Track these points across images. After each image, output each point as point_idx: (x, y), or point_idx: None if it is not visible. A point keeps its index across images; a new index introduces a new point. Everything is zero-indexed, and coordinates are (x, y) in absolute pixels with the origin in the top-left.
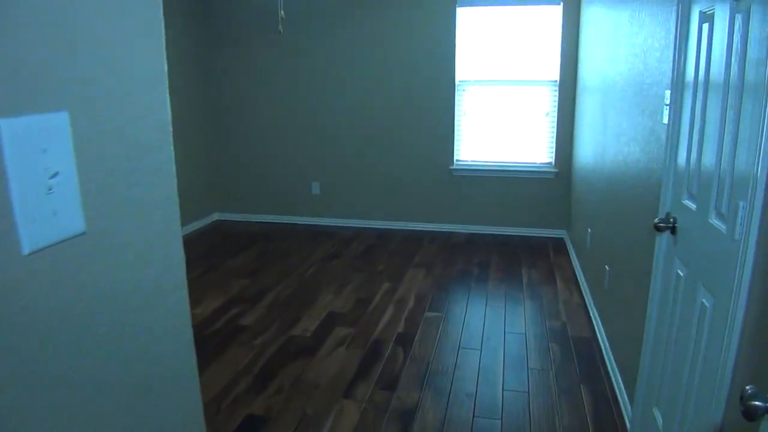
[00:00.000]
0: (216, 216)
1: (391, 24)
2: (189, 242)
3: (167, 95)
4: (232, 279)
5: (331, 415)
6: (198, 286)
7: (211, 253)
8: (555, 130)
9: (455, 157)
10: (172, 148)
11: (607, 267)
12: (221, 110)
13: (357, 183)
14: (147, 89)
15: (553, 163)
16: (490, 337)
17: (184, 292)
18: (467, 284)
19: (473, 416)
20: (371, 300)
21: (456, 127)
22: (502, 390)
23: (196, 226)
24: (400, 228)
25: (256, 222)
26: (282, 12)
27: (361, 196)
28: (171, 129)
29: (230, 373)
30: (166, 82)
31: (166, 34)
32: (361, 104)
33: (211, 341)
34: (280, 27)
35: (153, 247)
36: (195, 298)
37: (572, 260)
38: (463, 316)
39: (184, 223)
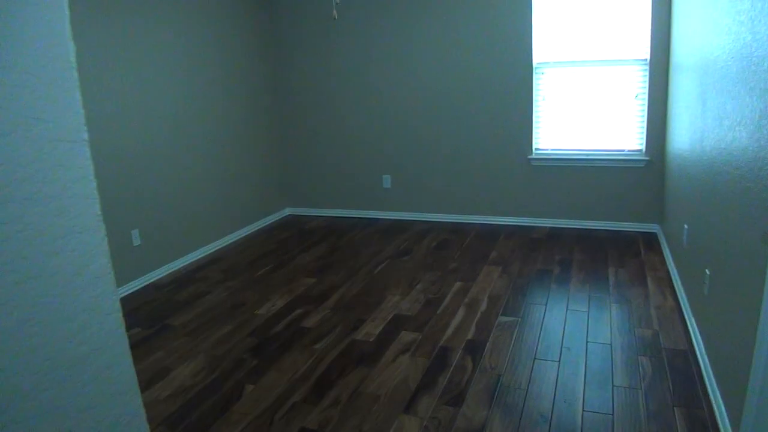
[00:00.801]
0: (288, 211)
1: (461, 4)
2: (260, 237)
3: None
4: (300, 276)
5: None
6: (265, 284)
7: (281, 249)
8: (645, 113)
9: (534, 146)
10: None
11: (707, 271)
12: (291, 105)
13: (430, 175)
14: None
15: (644, 150)
16: (571, 347)
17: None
18: (546, 285)
19: None
20: (441, 301)
21: (534, 114)
22: (582, 411)
23: (268, 221)
24: (476, 222)
25: (328, 216)
26: None
27: (434, 189)
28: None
29: (287, 380)
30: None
31: (232, 34)
32: (432, 92)
33: (271, 344)
34: (334, 12)
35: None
36: (261, 297)
37: (666, 258)
38: (541, 321)
39: (256, 219)
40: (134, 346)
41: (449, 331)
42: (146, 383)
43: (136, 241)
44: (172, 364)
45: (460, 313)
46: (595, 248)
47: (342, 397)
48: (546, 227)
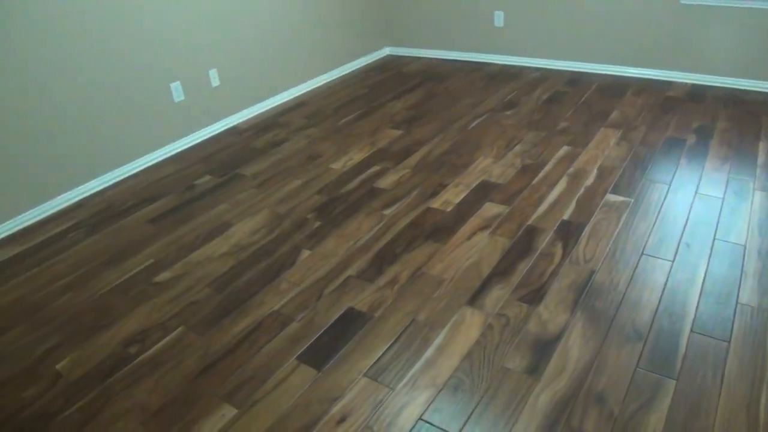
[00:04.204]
0: (387, 51)
1: None
2: (353, 80)
3: None
4: (385, 127)
5: (445, 329)
6: (347, 134)
7: (371, 94)
8: None
9: None
10: None
11: None
12: None
13: (550, 12)
14: None
15: None
16: (692, 244)
17: None
18: (675, 158)
19: (635, 367)
20: (540, 169)
21: None
22: (690, 331)
23: (364, 61)
24: (600, 72)
25: (430, 58)
26: None
27: (554, 30)
28: None
29: (346, 249)
30: None
31: None
32: None
33: (339, 205)
34: None
35: None
36: (340, 149)
37: None
38: (660, 205)
39: (351, 59)
40: (201, 196)
41: (542, 207)
42: (204, 238)
43: (215, 82)
44: (234, 218)
45: (560, 185)
46: (746, 116)
47: (401, 276)
48: (686, 84)
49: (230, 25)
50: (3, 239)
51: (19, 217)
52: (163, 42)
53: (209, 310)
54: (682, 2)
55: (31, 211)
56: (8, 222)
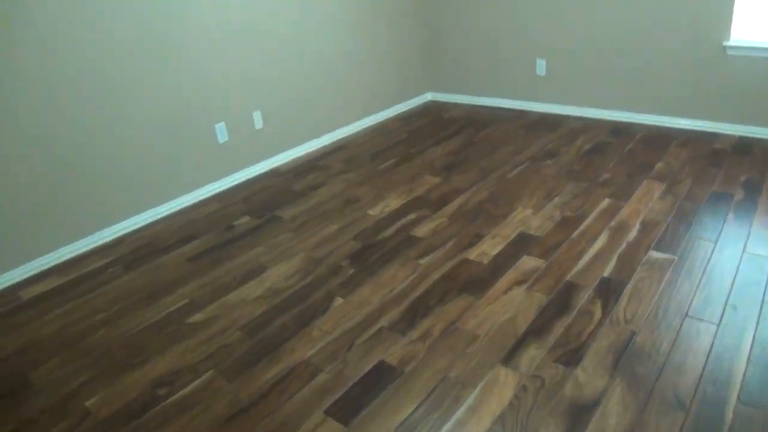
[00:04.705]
0: (429, 96)
1: None
2: (394, 125)
3: None
4: (424, 173)
5: (477, 388)
6: (385, 179)
7: (411, 140)
8: None
9: (732, 31)
10: None
11: None
12: None
13: (592, 61)
14: None
15: None
16: (739, 307)
17: None
18: (722, 214)
19: None
20: (580, 221)
21: None
22: (737, 401)
23: (407, 106)
24: (644, 122)
25: (471, 105)
26: None
27: (596, 79)
28: None
29: (380, 298)
30: None
31: None
32: None
33: (374, 252)
34: None
35: None
36: (377, 194)
37: None
38: (705, 264)
39: (393, 103)
40: (239, 237)
41: (582, 262)
42: (239, 280)
43: (258, 124)
44: (269, 261)
45: (601, 239)
46: None
47: (434, 330)
48: (734, 136)
49: (276, 69)
50: (45, 271)
51: (62, 249)
52: (212, 84)
53: (240, 354)
54: (729, 53)
55: (73, 244)
56: (51, 254)
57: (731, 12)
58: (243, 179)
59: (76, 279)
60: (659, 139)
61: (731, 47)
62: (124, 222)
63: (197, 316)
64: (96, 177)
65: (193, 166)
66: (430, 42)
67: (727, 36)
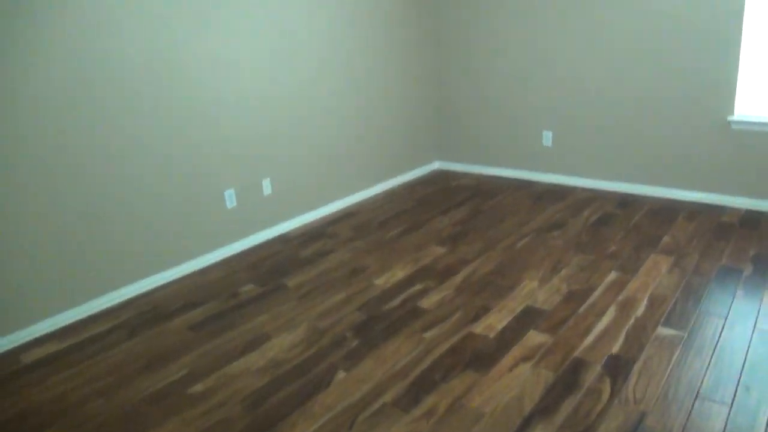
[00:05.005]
0: (437, 165)
1: None
2: (402, 192)
3: None
4: (431, 243)
5: None
6: (392, 248)
7: (419, 208)
8: None
9: (736, 105)
10: None
11: None
12: (446, 49)
13: (599, 133)
14: None
15: None
16: (752, 387)
17: None
18: (731, 289)
19: None
20: (587, 296)
21: (738, 65)
22: None
23: (415, 174)
24: (650, 194)
25: (478, 174)
26: None
27: (602, 150)
28: None
29: (383, 372)
30: None
31: None
32: (603, 34)
33: (379, 323)
34: None
35: None
36: (384, 264)
37: None
38: (715, 341)
39: (402, 171)
40: (244, 305)
41: (590, 338)
42: (242, 349)
43: (267, 191)
44: (273, 331)
45: (609, 315)
46: None
47: (439, 407)
48: (741, 209)
49: (286, 137)
50: (48, 334)
51: (66, 312)
52: (222, 151)
53: (239, 430)
54: (733, 127)
55: (78, 307)
56: (55, 317)
57: (734, 88)
58: (250, 245)
59: (79, 343)
60: (666, 211)
61: (735, 122)
62: (129, 286)
63: (197, 387)
64: (103, 241)
65: (201, 232)
66: (438, 111)
67: (731, 111)
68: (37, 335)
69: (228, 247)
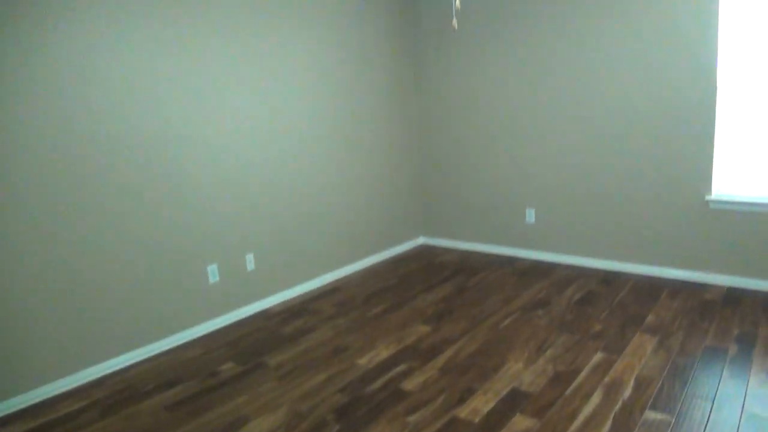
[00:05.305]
0: (422, 240)
1: (616, 11)
2: (387, 267)
3: None
4: (415, 322)
5: None
6: (375, 326)
7: (403, 285)
8: None
9: (714, 185)
10: None
11: None
12: (430, 127)
13: (581, 211)
14: None
15: None
16: None
17: None
18: (717, 370)
19: None
20: (574, 377)
21: (716, 146)
22: None
23: (400, 249)
24: (633, 272)
25: (463, 250)
26: (457, 2)
27: (585, 228)
28: None
29: None
30: None
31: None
32: (584, 115)
33: (361, 406)
34: (453, 22)
35: None
36: (366, 343)
37: None
38: (704, 425)
39: (386, 247)
40: (222, 385)
41: (577, 422)
42: None
43: (250, 266)
44: (251, 413)
45: (596, 397)
46: None
47: None
48: (723, 287)
49: (269, 212)
50: (16, 412)
51: (37, 390)
52: (207, 227)
53: None
54: (711, 206)
55: (50, 384)
56: (24, 394)
57: (711, 168)
58: (231, 321)
59: (48, 423)
60: (649, 288)
61: (713, 201)
62: (105, 363)
63: None
64: (79, 315)
65: (181, 308)
66: (422, 188)
67: (709, 190)
68: (5, 413)
69: (209, 322)
